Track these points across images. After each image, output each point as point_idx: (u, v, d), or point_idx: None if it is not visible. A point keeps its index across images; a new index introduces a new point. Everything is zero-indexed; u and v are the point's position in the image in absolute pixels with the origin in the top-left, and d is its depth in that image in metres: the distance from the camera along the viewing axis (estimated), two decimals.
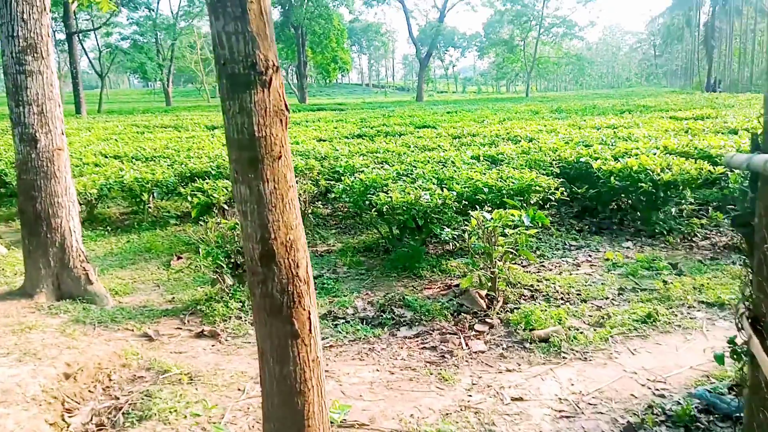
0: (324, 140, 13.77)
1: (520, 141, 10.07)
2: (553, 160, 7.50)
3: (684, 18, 62.75)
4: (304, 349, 2.41)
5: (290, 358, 2.40)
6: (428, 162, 7.94)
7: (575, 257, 6.05)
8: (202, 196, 7.07)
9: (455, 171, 6.87)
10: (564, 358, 3.85)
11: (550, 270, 5.69)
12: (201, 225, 7.56)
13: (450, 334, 4.34)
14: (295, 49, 55.58)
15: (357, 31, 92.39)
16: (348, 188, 6.59)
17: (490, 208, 5.12)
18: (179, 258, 6.96)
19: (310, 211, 7.80)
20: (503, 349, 4.06)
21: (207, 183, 7.58)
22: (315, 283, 5.97)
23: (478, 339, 4.23)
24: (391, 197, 5.77)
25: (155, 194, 8.70)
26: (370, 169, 7.23)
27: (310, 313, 2.42)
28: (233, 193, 2.35)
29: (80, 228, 5.61)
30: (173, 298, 5.66)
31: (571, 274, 5.50)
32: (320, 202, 8.73)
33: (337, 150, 10.31)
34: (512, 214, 4.78)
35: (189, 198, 7.12)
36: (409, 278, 5.73)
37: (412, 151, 9.63)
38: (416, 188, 6.03)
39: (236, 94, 2.16)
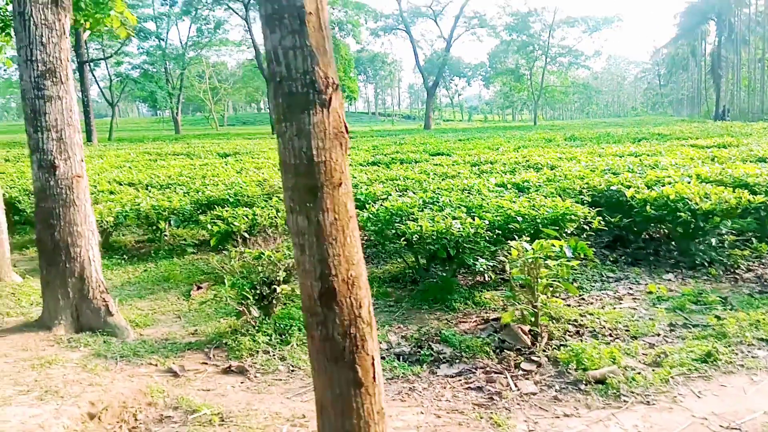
0: None
1: (542, 168, 9.89)
2: (582, 188, 7.29)
3: (689, 48, 63.27)
4: (369, 400, 2.17)
5: (353, 410, 2.15)
6: (452, 189, 7.74)
7: (615, 290, 5.79)
8: (222, 224, 6.87)
9: (483, 199, 6.66)
10: (624, 401, 3.58)
11: (591, 303, 5.43)
12: (224, 254, 7.38)
13: (495, 372, 4.07)
14: None
15: (363, 61, 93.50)
16: (373, 216, 6.38)
17: (528, 238, 4.90)
18: (199, 288, 6.73)
19: None
20: (556, 390, 3.79)
21: (226, 211, 7.39)
22: None
23: (527, 379, 3.96)
24: (420, 226, 5.55)
25: (172, 222, 8.51)
26: (395, 197, 7.03)
27: (373, 359, 2.18)
28: (288, 224, 2.14)
29: (100, 257, 5.41)
30: (196, 330, 5.42)
31: (614, 308, 5.23)
32: None
33: (355, 177, 10.14)
34: (554, 245, 4.55)
35: (209, 226, 6.92)
36: (441, 311, 5.47)
37: (432, 179, 9.45)
38: (445, 217, 5.82)
39: (293, 115, 1.97)
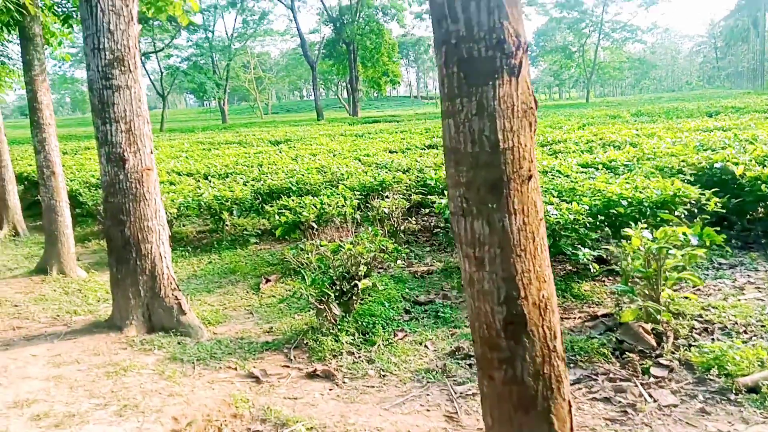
0: (394, 152, 13.17)
1: (621, 146, 9.15)
2: (681, 166, 6.58)
3: (750, 19, 59.67)
4: None
5: None
6: None
7: (733, 278, 5.13)
8: (289, 215, 6.51)
9: (572, 182, 6.07)
10: None
11: (710, 294, 4.80)
12: (290, 244, 7.03)
13: (621, 380, 3.54)
14: (346, 65, 55.66)
15: (406, 45, 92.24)
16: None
17: (646, 225, 4.31)
18: (268, 281, 6.40)
19: (402, 227, 7.13)
20: (701, 402, 3.24)
21: (292, 200, 7.02)
22: (427, 310, 5.31)
23: (661, 387, 3.41)
24: None
25: (234, 212, 8.22)
26: None
27: (570, 405, 1.69)
28: (454, 230, 1.66)
29: (170, 253, 5.11)
30: (271, 328, 5.07)
31: (739, 300, 4.60)
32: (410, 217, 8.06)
33: (419, 161, 9.65)
34: (680, 233, 3.96)
35: (276, 216, 6.56)
36: None
37: None
38: None
39: (473, 87, 1.48)
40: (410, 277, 6.02)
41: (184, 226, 9.76)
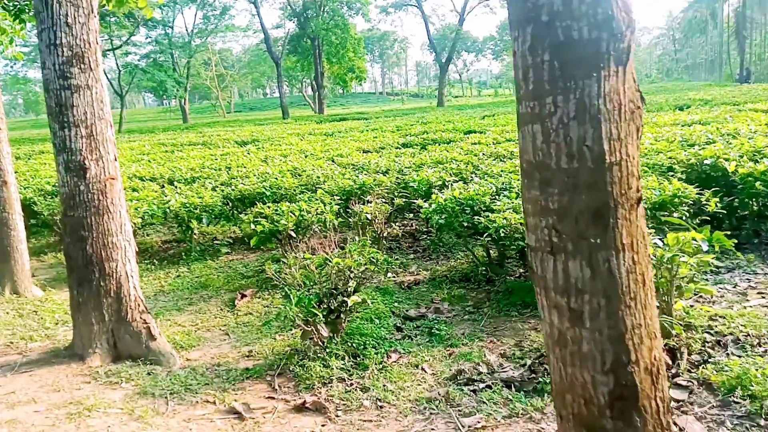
0: (368, 151, 12.81)
1: None
2: (672, 163, 6.40)
3: (708, 11, 61.15)
4: None
5: None
6: (517, 171, 6.89)
7: (733, 282, 4.95)
8: (266, 223, 6.08)
9: None
10: None
11: (713, 302, 4.60)
12: (278, 260, 6.61)
13: None
14: (311, 61, 54.90)
15: (372, 40, 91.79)
16: (440, 208, 5.57)
17: (653, 231, 4.06)
18: (243, 296, 5.98)
19: (385, 234, 6.78)
20: (729, 429, 2.99)
21: (268, 207, 6.59)
22: (419, 326, 4.97)
23: (684, 413, 3.16)
24: (508, 219, 4.74)
25: (204, 220, 7.74)
26: (460, 185, 6.19)
27: None
28: (535, 271, 1.32)
29: (137, 271, 4.65)
30: (250, 351, 4.66)
31: (745, 308, 4.40)
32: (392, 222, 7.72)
33: (397, 162, 9.31)
34: (694, 238, 3.71)
35: (252, 225, 6.13)
36: (536, 317, 4.67)
37: (484, 160, 8.59)
38: None
39: (571, 82, 1.14)
40: (396, 289, 5.69)
41: (148, 235, 9.22)
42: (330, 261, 4.37)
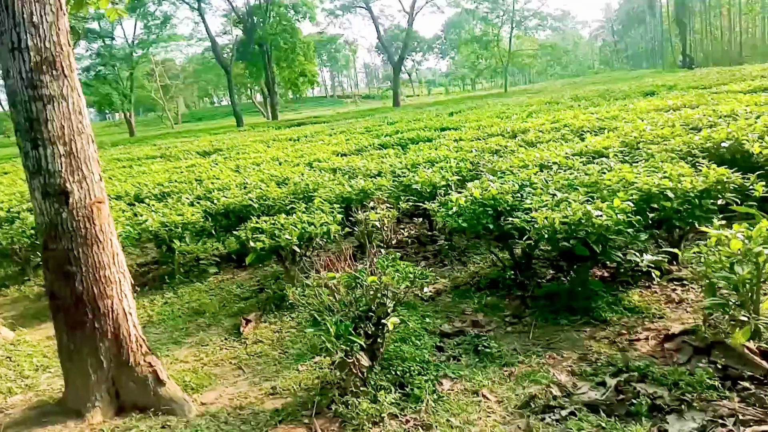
0: (345, 154, 12.27)
1: (598, 133, 8.73)
2: (692, 147, 6.12)
3: (646, 2, 63.08)
4: None
5: None
6: (527, 166, 6.51)
7: None
8: (266, 239, 5.47)
9: (587, 174, 5.46)
10: None
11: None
12: (263, 270, 5.99)
13: (755, 422, 2.87)
14: (261, 67, 53.79)
15: (320, 44, 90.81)
16: (462, 210, 5.11)
17: (723, 222, 3.70)
18: (248, 321, 5.35)
19: (394, 241, 6.27)
20: None
21: (264, 222, 5.96)
22: (460, 344, 4.46)
23: None
24: (549, 219, 4.31)
25: (187, 239, 7.04)
26: (476, 183, 5.73)
27: None
28: None
29: (135, 307, 3.99)
30: (273, 387, 4.07)
31: None
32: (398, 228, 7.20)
33: (385, 163, 8.81)
34: None
35: (251, 242, 5.49)
36: (588, 324, 4.26)
37: (480, 156, 8.18)
38: (567, 202, 4.59)
39: None
40: (418, 301, 5.18)
41: None
42: (361, 279, 3.83)
